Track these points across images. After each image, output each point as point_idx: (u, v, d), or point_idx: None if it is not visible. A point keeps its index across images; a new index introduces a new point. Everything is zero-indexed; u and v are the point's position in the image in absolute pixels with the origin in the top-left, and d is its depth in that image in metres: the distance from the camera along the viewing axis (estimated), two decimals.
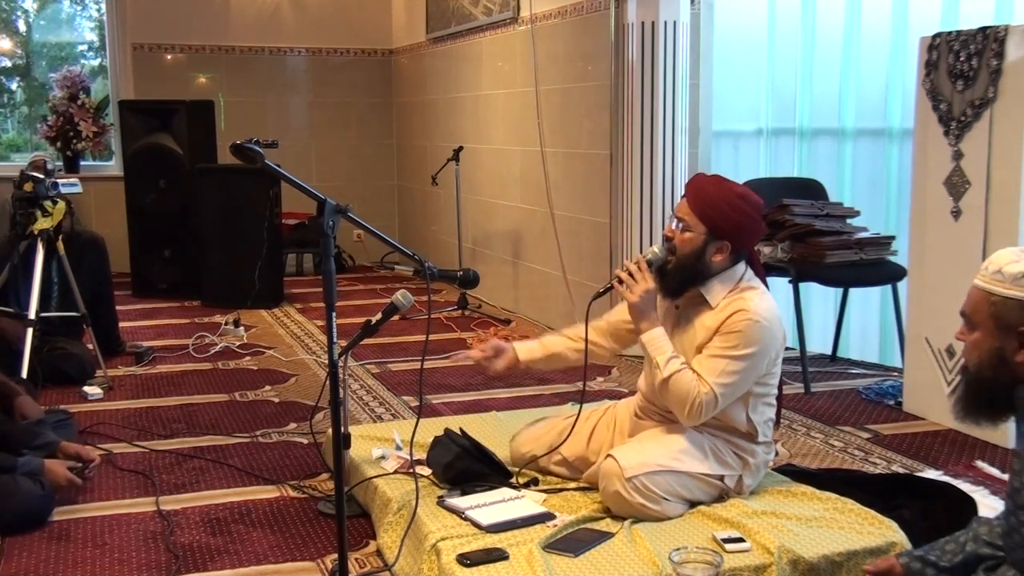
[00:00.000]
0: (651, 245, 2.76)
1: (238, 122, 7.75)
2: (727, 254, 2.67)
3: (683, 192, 2.81)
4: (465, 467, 2.83)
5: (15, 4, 8.15)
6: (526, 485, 2.88)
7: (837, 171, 5.10)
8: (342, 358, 2.53)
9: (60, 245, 4.45)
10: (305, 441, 3.69)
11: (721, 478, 2.69)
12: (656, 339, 2.68)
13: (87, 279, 4.53)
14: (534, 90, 5.79)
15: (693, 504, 2.69)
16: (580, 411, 2.92)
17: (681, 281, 2.70)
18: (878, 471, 3.36)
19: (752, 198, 2.73)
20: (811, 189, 4.85)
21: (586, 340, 2.88)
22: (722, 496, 2.72)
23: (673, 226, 2.72)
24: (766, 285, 2.75)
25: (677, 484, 2.62)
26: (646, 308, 2.69)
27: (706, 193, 2.69)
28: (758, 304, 2.62)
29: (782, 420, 3.94)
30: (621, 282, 2.71)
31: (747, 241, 2.73)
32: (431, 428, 3.15)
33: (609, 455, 2.65)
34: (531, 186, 5.96)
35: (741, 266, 2.72)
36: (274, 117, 8.01)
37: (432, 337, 5.43)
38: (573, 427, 2.91)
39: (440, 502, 2.70)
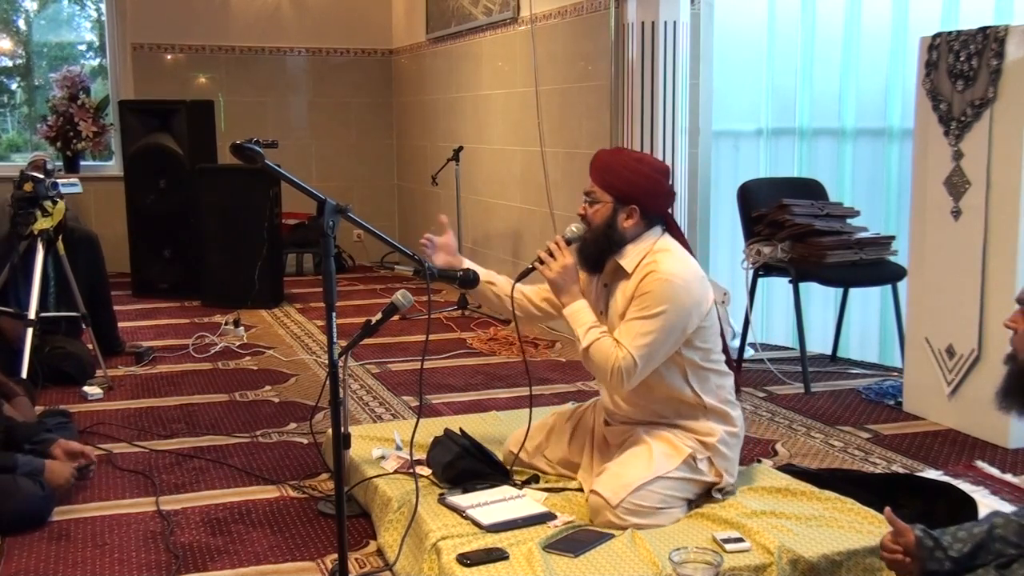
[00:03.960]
0: (570, 224, 2.82)
1: (238, 122, 7.75)
2: (637, 218, 2.71)
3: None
4: (465, 467, 2.84)
5: (15, 4, 8.15)
6: (527, 482, 2.89)
7: (837, 171, 5.09)
8: (342, 358, 2.52)
9: (60, 245, 4.45)
10: (305, 441, 3.69)
11: (694, 460, 2.67)
12: (577, 312, 2.71)
13: (82, 277, 4.52)
14: (534, 90, 5.79)
15: (689, 504, 2.69)
16: (531, 419, 2.97)
17: (598, 252, 2.74)
18: (878, 471, 3.36)
19: (649, 160, 2.83)
20: (811, 189, 4.85)
21: (517, 328, 2.88)
22: (709, 491, 2.72)
23: (584, 202, 2.79)
24: (689, 250, 2.78)
25: (663, 489, 2.62)
26: (565, 283, 2.74)
27: (605, 163, 2.77)
28: (668, 265, 2.64)
29: (782, 419, 3.96)
30: (542, 262, 2.75)
31: (655, 203, 2.75)
32: (431, 428, 3.16)
33: (592, 491, 2.64)
34: (531, 186, 5.96)
35: (656, 231, 2.75)
36: (274, 117, 8.01)
37: (432, 337, 5.44)
38: (527, 435, 2.98)
39: (441, 499, 2.71)
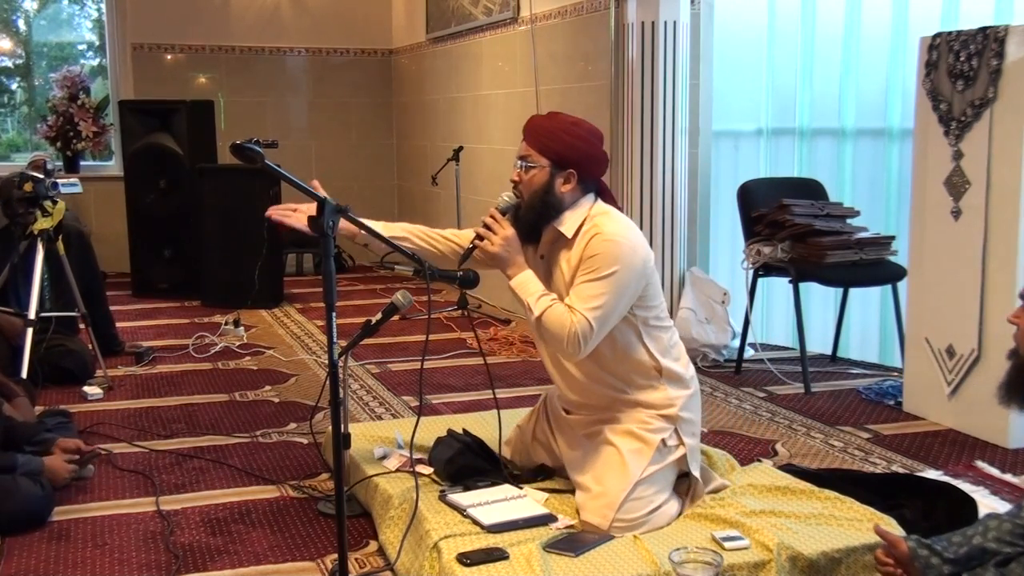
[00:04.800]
0: (502, 194, 2.76)
1: (238, 122, 7.76)
2: (575, 183, 2.67)
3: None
4: (467, 463, 2.84)
5: (15, 4, 8.15)
6: (529, 477, 2.90)
7: (837, 171, 5.09)
8: (342, 358, 2.52)
9: (60, 245, 4.45)
10: (305, 441, 3.69)
11: (664, 444, 2.65)
12: (524, 282, 2.66)
13: (74, 274, 4.51)
14: (534, 90, 5.79)
15: (675, 491, 2.69)
16: (500, 428, 2.96)
17: (534, 219, 2.69)
18: (878, 471, 3.36)
19: (586, 124, 2.76)
20: (811, 189, 4.85)
21: (472, 325, 2.81)
22: (686, 473, 2.71)
23: (517, 168, 2.72)
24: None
25: (646, 493, 2.60)
26: (509, 254, 2.67)
27: (541, 128, 2.72)
28: (611, 226, 2.61)
29: (782, 419, 3.96)
30: (482, 239, 2.69)
31: (592, 167, 2.71)
32: (431, 428, 3.16)
33: (582, 520, 2.62)
34: None
35: (591, 197, 2.71)
36: (274, 117, 8.01)
37: (432, 337, 5.44)
38: (499, 448, 2.98)
39: (442, 496, 2.71)
